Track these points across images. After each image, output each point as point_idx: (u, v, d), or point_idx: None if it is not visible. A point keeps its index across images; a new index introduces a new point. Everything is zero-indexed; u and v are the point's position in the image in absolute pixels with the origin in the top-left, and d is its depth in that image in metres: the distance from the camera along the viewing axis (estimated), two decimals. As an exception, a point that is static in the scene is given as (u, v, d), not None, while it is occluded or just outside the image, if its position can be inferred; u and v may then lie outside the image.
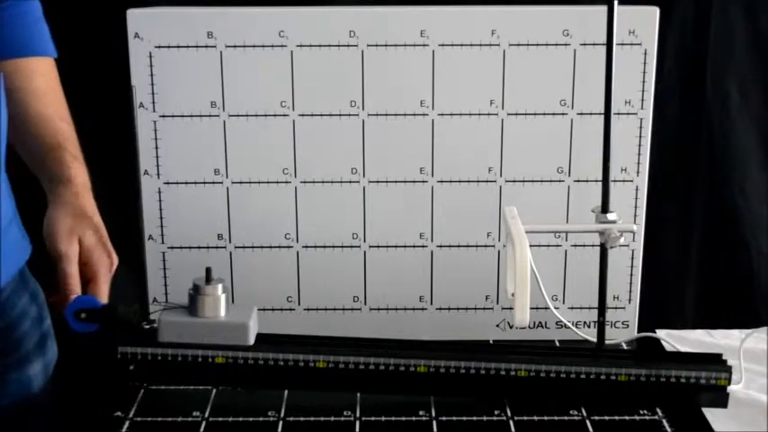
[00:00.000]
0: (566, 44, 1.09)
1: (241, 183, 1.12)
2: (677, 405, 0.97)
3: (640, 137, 1.11)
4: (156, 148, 1.11)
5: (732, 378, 0.99)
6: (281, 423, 0.94)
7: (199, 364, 0.95)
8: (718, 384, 0.97)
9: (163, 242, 1.14)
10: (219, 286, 0.94)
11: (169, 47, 1.08)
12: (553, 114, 1.11)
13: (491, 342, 1.15)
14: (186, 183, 1.12)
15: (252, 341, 0.95)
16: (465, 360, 0.96)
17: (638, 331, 1.17)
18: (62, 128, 1.02)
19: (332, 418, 0.95)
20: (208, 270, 0.94)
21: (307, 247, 1.14)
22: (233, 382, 0.98)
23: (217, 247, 1.14)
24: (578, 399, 0.98)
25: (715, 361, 0.98)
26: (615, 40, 1.01)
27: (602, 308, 1.08)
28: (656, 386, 0.97)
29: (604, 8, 1.01)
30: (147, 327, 0.95)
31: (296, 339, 0.98)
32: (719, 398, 0.97)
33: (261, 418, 0.95)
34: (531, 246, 0.93)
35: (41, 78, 1.03)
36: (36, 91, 1.02)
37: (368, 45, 1.08)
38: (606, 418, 0.96)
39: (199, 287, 0.93)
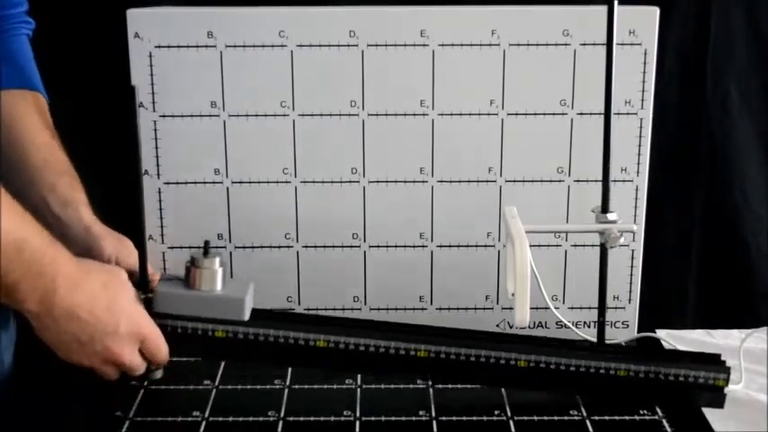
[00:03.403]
0: (566, 44, 1.09)
1: (241, 183, 1.12)
2: (675, 403, 0.97)
3: (640, 137, 1.11)
4: (156, 148, 1.11)
5: (731, 378, 0.99)
6: (280, 423, 0.94)
7: (193, 336, 0.94)
8: (716, 385, 0.97)
9: (163, 242, 1.14)
10: (217, 260, 0.93)
11: (169, 47, 1.08)
12: (553, 114, 1.11)
13: (494, 331, 1.15)
14: (186, 183, 1.12)
15: (247, 316, 0.94)
16: (465, 347, 0.95)
17: (638, 331, 1.17)
18: (65, 158, 1.03)
19: (332, 418, 0.95)
20: (206, 243, 0.93)
21: (307, 247, 1.14)
22: (228, 356, 0.97)
23: (217, 247, 1.14)
24: (576, 391, 0.99)
25: (714, 361, 0.98)
26: (615, 40, 1.01)
27: (602, 308, 1.08)
28: (655, 383, 0.97)
29: (604, 8, 1.01)
30: (143, 297, 0.94)
31: (297, 318, 0.98)
32: (717, 398, 0.97)
33: (261, 418, 0.95)
34: (531, 246, 0.93)
35: (41, 111, 1.04)
36: (39, 121, 1.02)
37: (368, 45, 1.08)
38: (606, 417, 0.96)
39: (196, 260, 0.93)
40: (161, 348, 0.92)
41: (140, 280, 0.94)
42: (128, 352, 0.89)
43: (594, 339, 1.06)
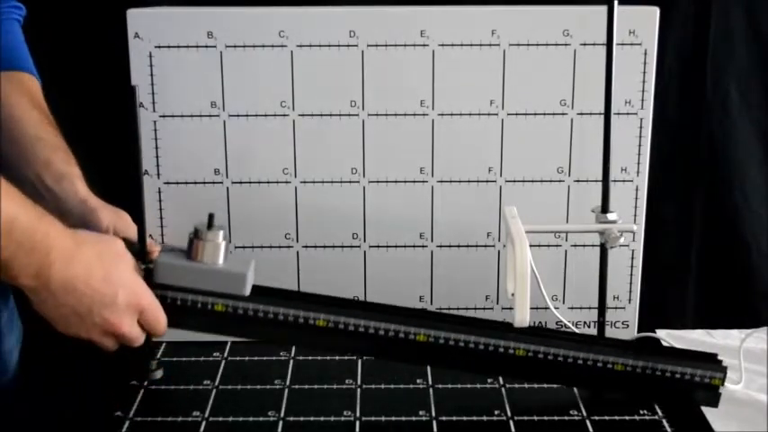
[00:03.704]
0: (566, 44, 1.09)
1: (241, 183, 1.12)
2: (670, 399, 0.98)
3: (640, 137, 1.11)
4: (156, 148, 1.11)
5: (731, 379, 0.99)
6: (280, 423, 0.94)
7: (192, 309, 0.93)
8: (712, 384, 0.97)
9: (163, 242, 1.14)
10: (220, 233, 0.91)
11: (169, 47, 1.08)
12: (553, 114, 1.11)
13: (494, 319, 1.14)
14: (186, 183, 1.12)
15: (248, 292, 0.93)
16: (465, 334, 0.95)
17: (638, 331, 1.17)
18: (59, 135, 1.03)
19: (332, 418, 0.95)
20: (210, 216, 0.91)
21: (307, 246, 1.14)
22: (227, 331, 0.95)
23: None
24: (573, 383, 0.99)
25: (711, 360, 0.98)
26: (615, 40, 1.02)
27: (602, 308, 1.08)
28: (651, 379, 0.97)
29: (604, 8, 1.01)
30: (144, 267, 0.93)
31: (298, 296, 0.97)
32: (712, 397, 0.97)
33: (261, 418, 0.95)
34: (531, 246, 0.93)
35: (34, 90, 1.04)
36: (31, 100, 1.03)
37: (368, 45, 1.08)
38: (606, 417, 0.96)
39: (199, 231, 0.91)
40: (159, 319, 0.91)
41: (140, 251, 0.93)
42: (127, 323, 0.88)
43: (594, 339, 1.06)
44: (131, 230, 0.96)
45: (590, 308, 1.15)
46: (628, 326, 1.17)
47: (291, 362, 1.08)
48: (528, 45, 1.09)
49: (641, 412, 0.97)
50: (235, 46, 1.08)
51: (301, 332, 0.94)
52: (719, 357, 0.98)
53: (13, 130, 0.99)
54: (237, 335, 0.96)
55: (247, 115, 1.11)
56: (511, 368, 0.97)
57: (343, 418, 0.95)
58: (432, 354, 0.96)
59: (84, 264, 0.85)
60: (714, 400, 0.98)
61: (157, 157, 1.11)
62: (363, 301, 0.98)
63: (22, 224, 0.79)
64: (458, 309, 1.16)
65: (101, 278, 0.86)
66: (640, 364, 0.96)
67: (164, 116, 1.10)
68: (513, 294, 0.94)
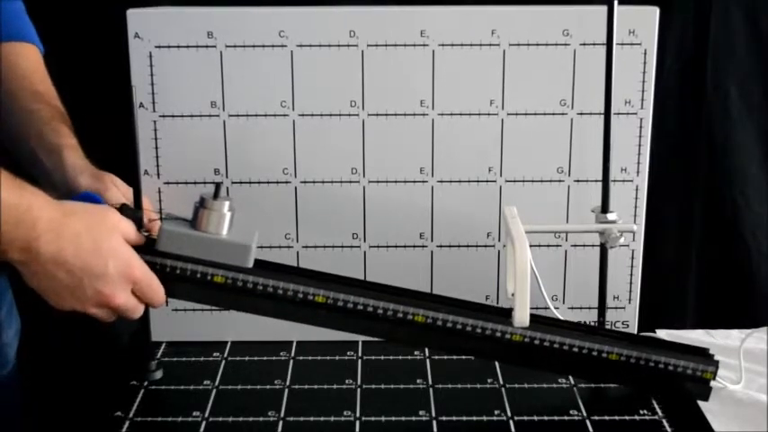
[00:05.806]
0: (566, 44, 1.09)
1: (241, 183, 1.12)
2: (662, 391, 0.99)
3: (640, 137, 1.11)
4: (156, 148, 1.11)
5: (727, 378, 1.00)
6: (280, 423, 0.94)
7: (192, 279, 0.92)
8: (704, 377, 0.98)
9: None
10: (226, 203, 0.91)
11: (169, 47, 1.08)
12: (553, 114, 1.11)
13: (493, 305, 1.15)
14: (186, 182, 1.12)
15: (251, 264, 0.93)
16: (462, 317, 0.95)
17: (638, 331, 1.17)
18: (57, 104, 1.03)
19: (332, 418, 0.95)
20: (218, 185, 0.91)
21: (307, 247, 1.14)
22: (225, 303, 0.95)
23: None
24: (567, 371, 1.00)
25: (703, 354, 0.98)
26: (615, 40, 1.02)
27: (602, 308, 1.08)
28: (644, 369, 0.97)
29: (604, 8, 1.01)
30: (147, 235, 0.92)
31: (299, 271, 0.97)
32: (703, 390, 0.98)
33: (261, 418, 0.95)
34: (531, 246, 0.93)
35: (28, 61, 1.05)
36: (26, 71, 1.03)
37: (368, 45, 1.08)
38: (606, 418, 0.96)
39: (205, 200, 0.90)
40: (154, 288, 0.90)
41: (137, 216, 0.92)
42: (120, 294, 0.87)
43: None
44: (111, 193, 0.96)
45: (590, 308, 1.15)
46: (628, 326, 1.17)
47: (291, 362, 1.08)
48: (528, 45, 1.09)
49: (641, 412, 0.97)
50: (235, 46, 1.08)
51: (299, 307, 0.94)
52: (711, 352, 0.99)
53: (6, 103, 0.99)
54: (235, 308, 0.95)
55: (247, 115, 1.11)
56: (507, 353, 0.97)
57: (343, 418, 0.95)
58: (429, 335, 0.96)
59: (72, 235, 0.83)
60: (705, 394, 0.98)
61: (157, 157, 1.11)
62: (363, 279, 0.96)
63: (2, 199, 0.78)
64: (458, 309, 1.16)
65: (90, 249, 0.84)
66: (634, 354, 0.97)
67: (164, 116, 1.10)
68: (513, 294, 0.94)
